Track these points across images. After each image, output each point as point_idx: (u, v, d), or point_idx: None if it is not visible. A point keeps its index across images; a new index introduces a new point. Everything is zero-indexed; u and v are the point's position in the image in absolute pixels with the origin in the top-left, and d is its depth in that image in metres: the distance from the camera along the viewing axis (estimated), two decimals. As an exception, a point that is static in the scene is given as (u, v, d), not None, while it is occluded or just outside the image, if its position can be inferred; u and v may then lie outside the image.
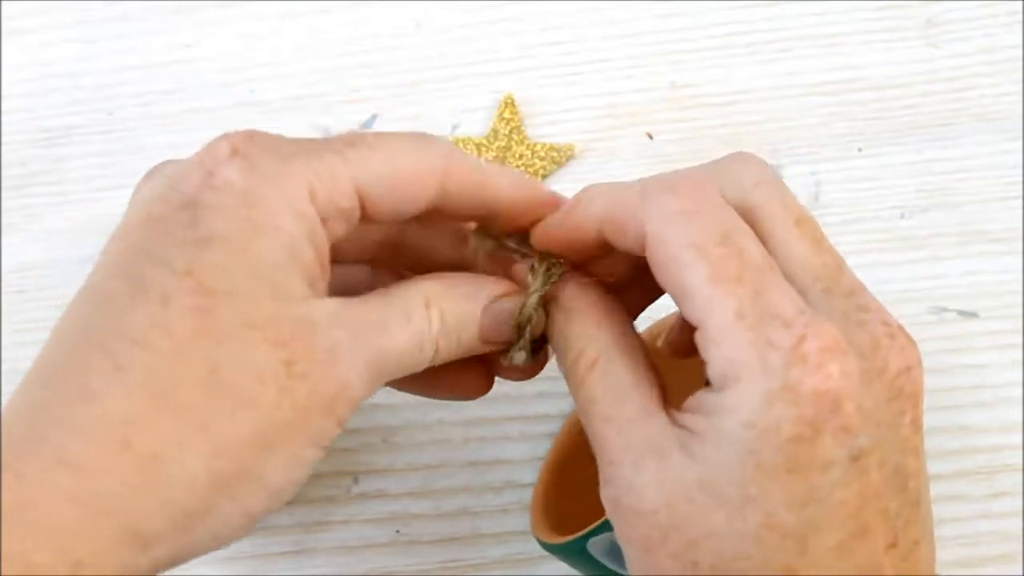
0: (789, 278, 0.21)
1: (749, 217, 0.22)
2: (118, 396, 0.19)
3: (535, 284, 0.24)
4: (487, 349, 0.25)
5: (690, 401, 0.21)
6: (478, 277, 0.25)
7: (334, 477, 0.35)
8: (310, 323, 0.20)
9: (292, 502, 0.32)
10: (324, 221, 0.21)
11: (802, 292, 0.21)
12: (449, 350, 0.23)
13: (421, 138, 0.23)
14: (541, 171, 0.38)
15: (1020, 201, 0.38)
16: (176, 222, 0.20)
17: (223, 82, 0.40)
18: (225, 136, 0.21)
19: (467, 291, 0.24)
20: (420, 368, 0.23)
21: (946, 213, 0.38)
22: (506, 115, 0.39)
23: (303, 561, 0.35)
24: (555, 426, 0.34)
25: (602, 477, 0.22)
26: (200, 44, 0.40)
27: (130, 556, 0.18)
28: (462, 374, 0.26)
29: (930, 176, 0.38)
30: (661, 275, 0.22)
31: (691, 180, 0.23)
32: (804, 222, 0.22)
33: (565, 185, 0.39)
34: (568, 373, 0.24)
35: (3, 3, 0.41)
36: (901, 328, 0.22)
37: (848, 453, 0.20)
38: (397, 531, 0.36)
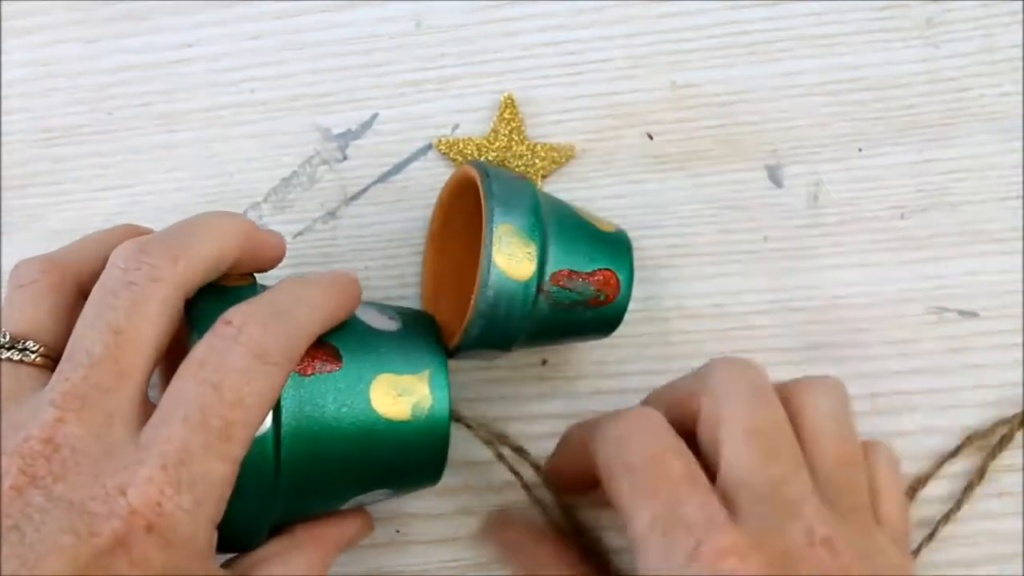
0: (730, 485, 0.25)
1: (711, 426, 0.26)
2: None
3: None
4: None
5: None
6: None
7: (334, 477, 0.35)
8: None
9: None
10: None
11: (731, 500, 0.25)
12: None
13: (227, 219, 0.29)
14: (541, 171, 0.38)
15: (1020, 201, 0.38)
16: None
17: (223, 82, 0.40)
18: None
19: None
20: None
21: (946, 213, 0.38)
22: (506, 115, 0.39)
23: (303, 561, 0.35)
24: (556, 425, 0.34)
25: None
26: (200, 44, 0.40)
27: None
28: None
29: (930, 176, 0.38)
30: (605, 491, 0.26)
31: (634, 410, 0.28)
32: (755, 435, 0.26)
33: (566, 185, 0.39)
34: None
35: (3, 3, 0.41)
36: (830, 539, 0.24)
37: None
38: (397, 531, 0.36)
